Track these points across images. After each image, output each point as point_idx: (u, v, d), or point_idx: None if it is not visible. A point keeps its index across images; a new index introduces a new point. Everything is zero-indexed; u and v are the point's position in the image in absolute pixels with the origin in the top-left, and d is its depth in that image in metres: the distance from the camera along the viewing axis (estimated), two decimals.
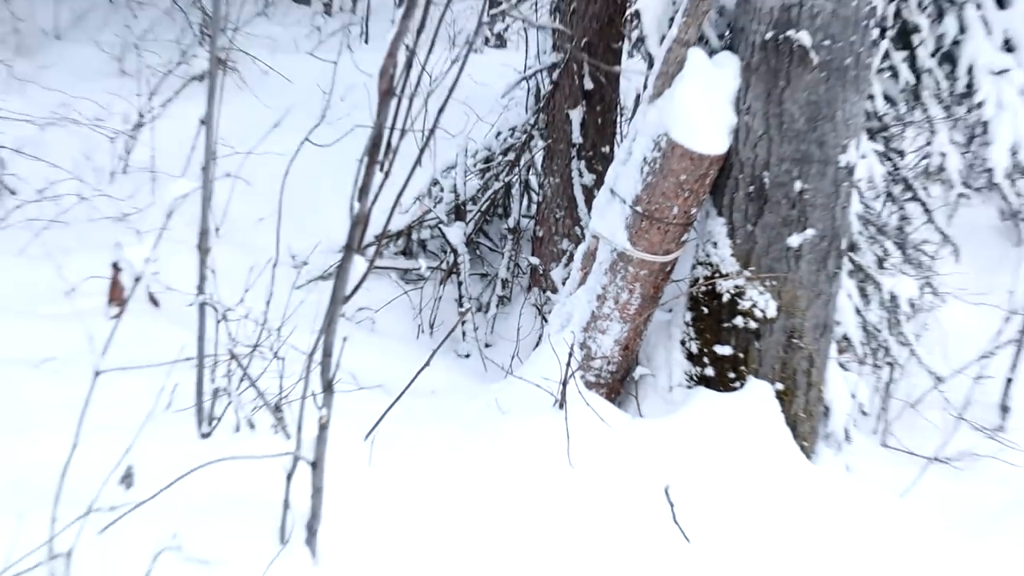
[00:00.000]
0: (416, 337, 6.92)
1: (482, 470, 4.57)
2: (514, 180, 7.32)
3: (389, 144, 2.94)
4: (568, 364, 4.74)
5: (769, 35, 4.57)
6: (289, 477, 3.28)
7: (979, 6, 5.62)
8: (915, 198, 5.96)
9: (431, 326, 7.01)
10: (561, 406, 4.70)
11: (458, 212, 7.27)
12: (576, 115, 6.79)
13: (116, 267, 2.81)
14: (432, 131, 3.49)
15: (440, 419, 5.02)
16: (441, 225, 7.20)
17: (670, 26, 4.87)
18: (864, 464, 5.33)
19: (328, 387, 3.19)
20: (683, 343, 5.00)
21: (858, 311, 5.45)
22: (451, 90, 4.00)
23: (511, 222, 7.25)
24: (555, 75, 6.88)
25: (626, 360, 5.10)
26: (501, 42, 11.74)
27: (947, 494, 5.29)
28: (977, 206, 7.66)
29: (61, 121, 7.61)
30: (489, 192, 7.33)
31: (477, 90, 8.21)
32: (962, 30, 5.54)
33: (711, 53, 4.83)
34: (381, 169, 2.92)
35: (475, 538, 4.11)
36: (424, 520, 4.06)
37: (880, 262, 5.84)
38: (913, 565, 4.61)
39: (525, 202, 7.36)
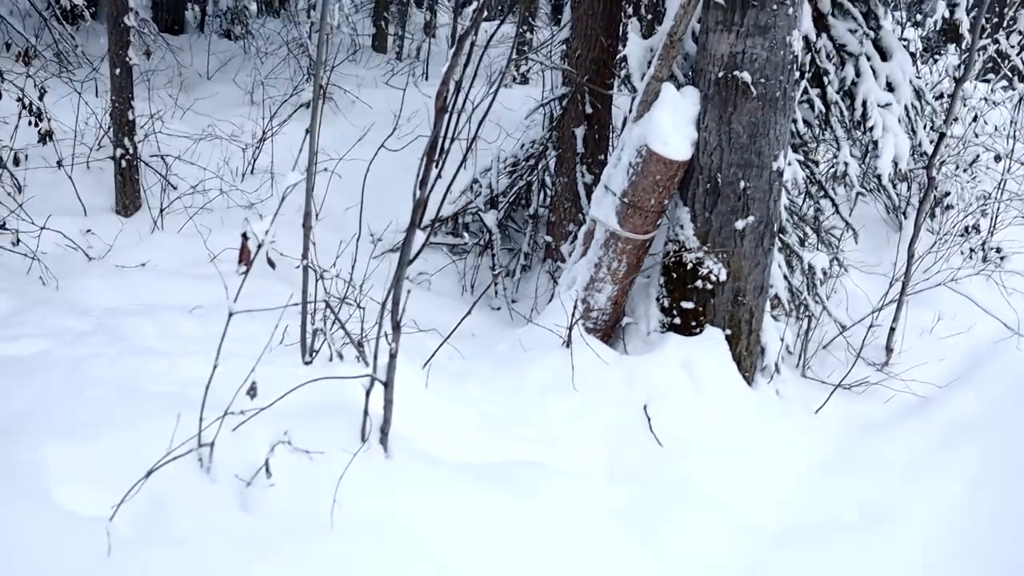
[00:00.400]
0: (460, 295, 6.88)
1: (510, 391, 4.55)
2: (534, 179, 7.23)
3: (442, 148, 2.89)
4: (572, 315, 4.72)
5: (721, 74, 4.54)
6: (368, 393, 3.26)
7: (869, 58, 5.55)
8: (826, 195, 5.84)
9: (471, 287, 6.96)
10: (568, 345, 4.69)
11: (492, 202, 7.23)
12: (580, 132, 6.71)
13: (244, 237, 2.77)
14: (473, 140, 3.44)
15: (478, 354, 4.98)
16: (480, 212, 7.15)
17: (648, 67, 4.89)
18: (790, 390, 5.26)
19: (396, 328, 3.16)
20: (658, 299, 4.92)
21: (786, 277, 5.36)
22: (487, 112, 3.95)
23: (531, 210, 7.17)
24: (564, 103, 6.80)
25: (616, 312, 5.03)
26: (525, 79, 11.62)
27: (847, 410, 5.22)
28: (870, 202, 7.54)
29: (208, 137, 7.64)
30: (515, 188, 7.26)
31: (507, 113, 8.13)
32: (857, 74, 5.45)
33: (679, 87, 4.77)
34: (436, 166, 2.87)
35: (502, 439, 4.09)
36: (465, 427, 4.03)
37: (801, 242, 5.75)
38: (821, 457, 4.58)
39: (542, 196, 7.27)
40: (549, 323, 4.90)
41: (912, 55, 8.89)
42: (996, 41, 9.39)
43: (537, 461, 3.96)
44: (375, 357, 3.26)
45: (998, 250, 7.64)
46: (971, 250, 7.46)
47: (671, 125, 4.62)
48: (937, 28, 11.33)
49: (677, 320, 4.81)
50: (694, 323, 4.77)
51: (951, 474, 4.69)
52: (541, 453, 4.10)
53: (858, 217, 7.03)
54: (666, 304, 4.85)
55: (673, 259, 4.79)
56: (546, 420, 4.36)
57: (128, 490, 2.72)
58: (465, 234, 7.23)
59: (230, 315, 2.91)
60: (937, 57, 10.26)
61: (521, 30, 11.83)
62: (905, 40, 9.35)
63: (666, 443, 4.30)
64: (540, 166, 7.23)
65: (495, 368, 4.76)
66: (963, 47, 9.40)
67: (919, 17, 12.06)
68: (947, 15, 10.64)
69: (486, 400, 4.38)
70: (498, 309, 6.77)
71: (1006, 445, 5.00)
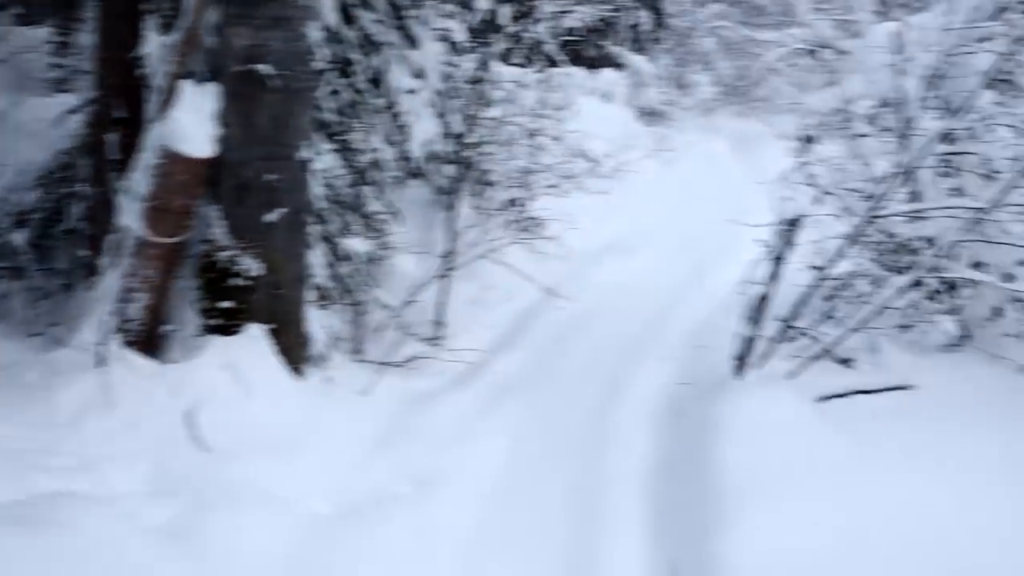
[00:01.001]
0: None
1: (40, 421, 4.24)
2: (69, 192, 6.72)
3: None
4: (107, 329, 4.47)
5: (240, 68, 4.50)
6: None
7: (397, 47, 5.80)
8: (367, 182, 6.03)
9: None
10: (102, 363, 4.42)
11: (22, 221, 6.62)
12: (112, 138, 6.34)
13: None
14: None
15: (2, 386, 4.57)
16: (6, 233, 6.54)
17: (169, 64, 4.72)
18: (343, 375, 5.36)
19: None
20: (196, 303, 4.79)
21: (330, 265, 5.45)
22: None
23: (67, 225, 6.66)
24: (93, 108, 6.40)
25: (154, 321, 4.82)
26: (66, 87, 10.75)
27: (402, 387, 5.46)
28: (418, 186, 7.84)
29: None
30: (46, 203, 6.71)
31: (38, 124, 7.46)
32: (386, 63, 5.68)
33: (199, 83, 4.65)
34: None
35: (30, 473, 3.79)
36: None
37: (345, 228, 5.86)
38: (373, 435, 4.75)
39: (79, 209, 6.77)
40: (82, 343, 4.60)
41: (454, 44, 9.39)
42: (527, 29, 10.18)
43: (71, 490, 3.70)
44: None
45: (537, 220, 8.33)
46: (511, 222, 8.06)
47: (192, 123, 4.53)
48: (480, 20, 12.05)
49: (218, 321, 4.71)
50: (235, 322, 4.71)
51: (496, 431, 5.08)
52: (77, 481, 3.86)
53: (407, 201, 7.29)
54: (205, 306, 4.74)
55: (207, 259, 4.69)
56: (83, 445, 4.12)
57: None
58: None
59: None
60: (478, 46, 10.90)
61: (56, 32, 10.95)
62: (446, 30, 9.80)
63: (215, 448, 4.22)
64: (74, 177, 6.74)
65: (23, 398, 4.40)
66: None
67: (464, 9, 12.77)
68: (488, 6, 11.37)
69: (10, 435, 4.04)
70: (40, 335, 6.24)
71: (543, 398, 5.50)
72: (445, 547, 3.92)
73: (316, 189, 5.22)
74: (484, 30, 12.13)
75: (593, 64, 15.95)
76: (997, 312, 5.80)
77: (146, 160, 4.66)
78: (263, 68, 4.49)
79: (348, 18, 5.68)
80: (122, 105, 6.32)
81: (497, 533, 4.08)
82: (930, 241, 5.61)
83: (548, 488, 4.46)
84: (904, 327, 6.06)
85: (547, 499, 4.37)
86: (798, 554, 3.33)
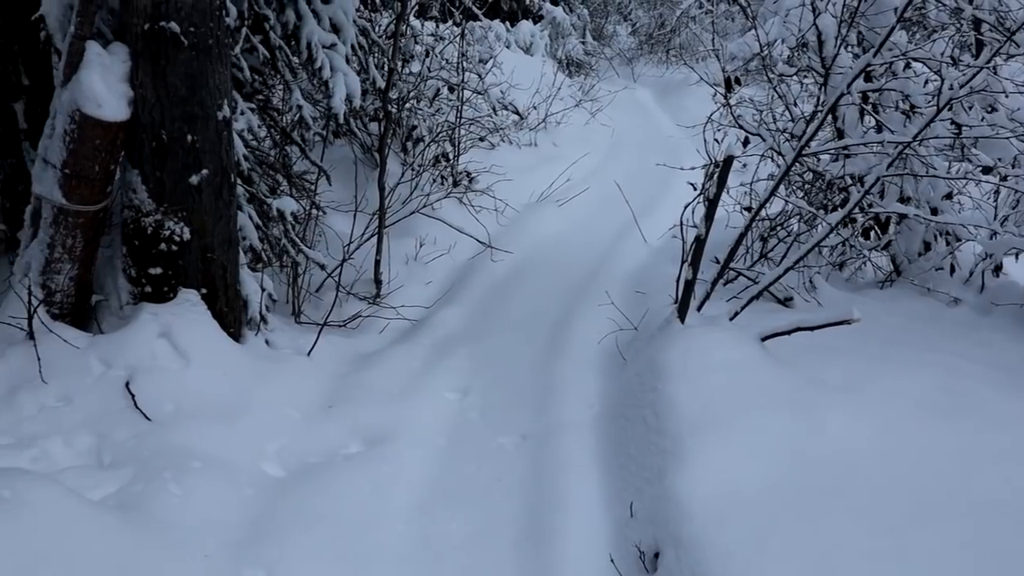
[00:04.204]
0: None
1: None
2: None
3: None
4: (30, 303, 4.35)
5: (147, 27, 4.37)
6: None
7: (309, 1, 5.70)
8: (291, 141, 5.95)
9: None
10: (31, 337, 4.31)
11: None
12: (19, 107, 6.14)
13: None
14: None
15: None
16: None
17: (71, 25, 4.57)
18: (282, 337, 5.33)
19: None
20: (124, 271, 4.69)
21: (258, 227, 5.38)
22: None
23: None
24: None
25: (82, 292, 4.71)
26: None
27: (341, 347, 5.43)
28: (346, 144, 7.77)
29: None
30: None
31: None
32: (299, 18, 5.58)
33: (106, 44, 4.52)
34: None
35: None
36: None
37: (272, 190, 5.79)
38: (319, 397, 4.74)
39: None
40: (6, 317, 4.48)
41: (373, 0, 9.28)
42: None
43: (10, 467, 3.62)
44: None
45: (467, 174, 8.33)
46: (442, 177, 8.04)
47: (103, 86, 4.37)
48: None
49: (148, 288, 4.62)
50: (166, 288, 4.62)
51: (443, 386, 5.09)
52: (17, 457, 3.78)
53: (335, 160, 7.23)
54: (134, 274, 4.64)
55: (132, 226, 4.58)
56: (17, 422, 4.02)
57: None
58: None
59: None
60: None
61: None
62: None
63: (156, 417, 4.15)
64: None
65: None
66: None
67: None
68: None
69: None
70: None
71: (488, 350, 5.53)
72: (401, 503, 3.94)
73: (240, 150, 5.13)
74: None
75: (511, 17, 15.91)
76: (926, 246, 6.01)
77: (59, 126, 4.51)
78: (172, 25, 4.36)
79: None
80: (26, 71, 6.15)
81: (451, 487, 4.11)
82: (858, 179, 5.77)
83: (500, 439, 4.50)
84: (839, 265, 6.25)
85: (500, 449, 4.41)
86: (749, 485, 3.43)
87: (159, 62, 4.39)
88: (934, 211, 5.88)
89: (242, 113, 5.21)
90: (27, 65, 6.10)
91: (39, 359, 4.22)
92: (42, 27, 4.94)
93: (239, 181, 5.03)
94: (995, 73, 5.22)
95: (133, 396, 4.23)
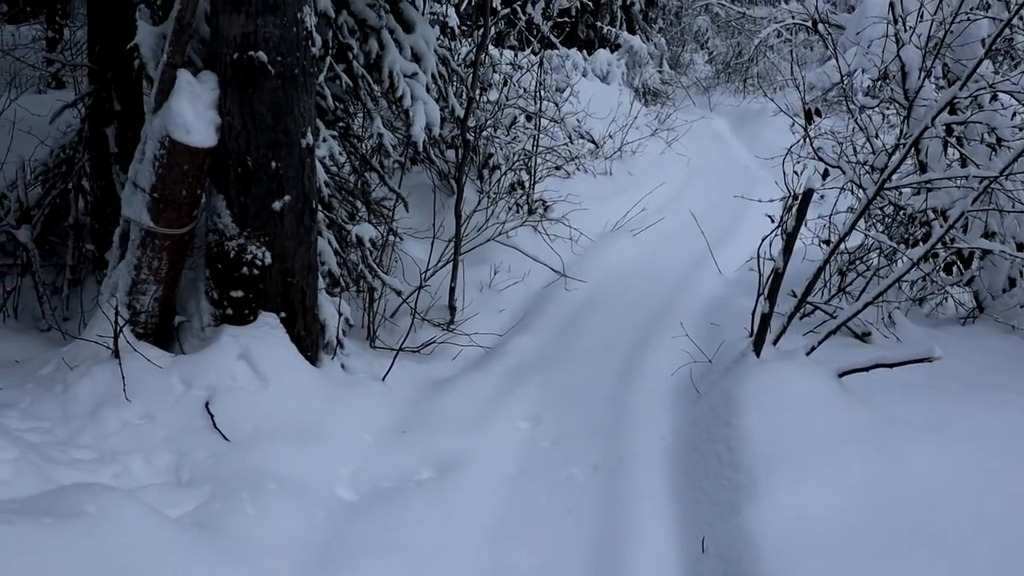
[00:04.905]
0: (3, 322, 6.27)
1: (58, 415, 4.26)
2: (70, 187, 6.75)
3: None
4: (116, 322, 4.49)
5: (236, 56, 4.51)
6: None
7: (392, 31, 5.81)
8: (371, 168, 6.04)
9: (15, 311, 6.36)
10: (116, 355, 4.44)
11: (25, 217, 6.64)
12: (111, 131, 6.37)
13: None
14: None
15: (18, 382, 4.59)
16: (11, 229, 6.56)
17: (163, 54, 4.73)
18: (358, 362, 5.39)
19: None
20: (207, 293, 4.81)
21: (337, 252, 5.47)
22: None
23: (71, 220, 6.69)
24: (91, 101, 6.42)
25: (165, 312, 4.84)
26: (60, 83, 10.75)
27: (415, 373, 5.48)
28: (423, 171, 7.88)
29: None
30: (49, 198, 6.73)
31: (35, 120, 7.49)
32: (381, 47, 5.69)
33: (196, 72, 4.67)
34: None
35: (51, 466, 3.80)
36: (3, 462, 3.69)
37: (351, 216, 5.89)
38: (392, 422, 4.78)
39: (82, 203, 6.79)
40: (94, 335, 4.62)
41: (452, 29, 9.42)
42: (519, 10, 10.21)
43: (94, 482, 3.73)
44: None
45: (543, 202, 8.37)
46: (517, 205, 8.09)
47: (192, 112, 4.52)
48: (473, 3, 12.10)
49: (229, 311, 4.73)
50: (247, 311, 4.73)
51: (516, 414, 5.10)
52: (100, 472, 3.90)
53: (412, 186, 7.34)
54: (216, 296, 4.76)
55: (216, 249, 4.70)
56: (102, 437, 4.15)
57: None
58: None
59: None
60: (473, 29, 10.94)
61: (47, 29, 10.96)
62: (439, 15, 9.81)
63: (234, 437, 4.24)
64: (75, 172, 6.76)
65: (38, 393, 4.42)
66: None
67: None
68: None
69: (30, 428, 4.07)
70: (48, 330, 6.27)
71: (560, 378, 5.53)
72: (472, 531, 3.94)
73: (321, 176, 5.23)
74: (477, 14, 12.19)
75: (588, 45, 16.00)
76: (1011, 282, 5.87)
77: (149, 152, 4.66)
78: (259, 55, 4.49)
79: (340, 3, 5.69)
80: (119, 97, 6.38)
81: (522, 515, 4.10)
82: (940, 213, 5.66)
83: (572, 468, 4.48)
84: (919, 300, 6.12)
85: (571, 479, 4.39)
86: (825, 524, 3.37)
87: (246, 90, 4.52)
88: (1020, 247, 5.74)
89: (324, 140, 5.32)
90: (119, 92, 6.33)
91: (124, 377, 4.35)
92: (136, 55, 5.13)
93: (319, 207, 5.13)
94: None
95: (212, 416, 4.33)
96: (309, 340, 4.94)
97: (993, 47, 5.18)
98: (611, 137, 10.81)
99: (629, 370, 5.57)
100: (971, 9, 5.48)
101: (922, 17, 5.65)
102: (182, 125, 4.48)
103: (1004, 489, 3.51)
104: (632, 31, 17.58)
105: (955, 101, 5.33)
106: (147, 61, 4.97)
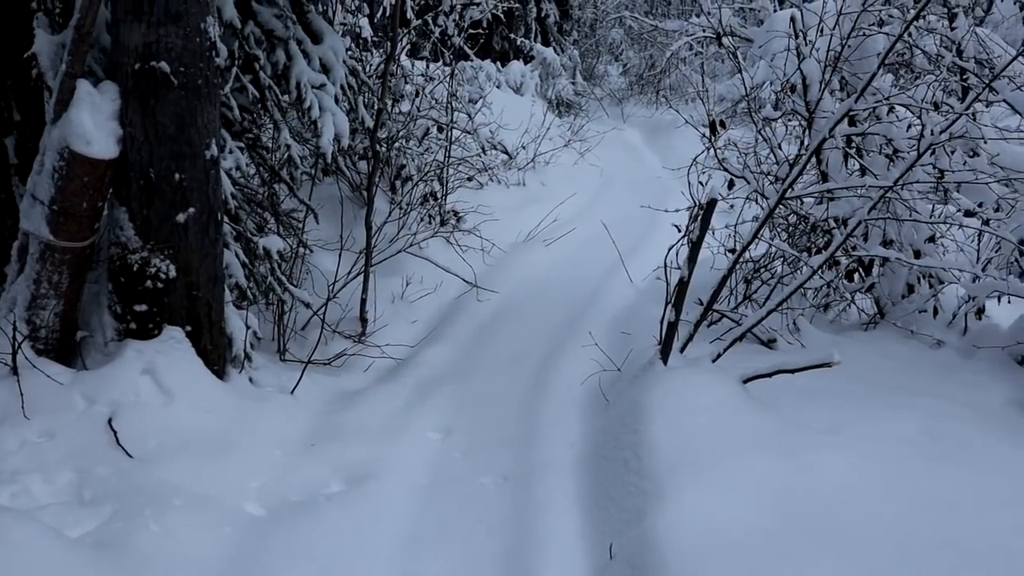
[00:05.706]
0: None
1: None
2: None
3: None
4: (14, 339, 4.38)
5: (138, 66, 4.44)
6: None
7: (300, 42, 5.79)
8: (279, 180, 6.00)
9: None
10: (15, 372, 4.33)
11: None
12: (11, 142, 6.19)
13: None
14: None
15: None
16: None
17: (62, 64, 4.64)
18: (267, 375, 5.36)
19: None
20: (110, 307, 4.72)
21: (244, 265, 5.41)
22: None
23: None
24: None
25: (67, 327, 4.74)
26: None
27: (325, 385, 5.46)
28: (334, 183, 7.83)
29: None
30: None
31: None
32: (289, 58, 5.66)
33: (96, 82, 4.59)
34: None
35: None
36: None
37: (260, 227, 5.84)
38: (301, 435, 4.75)
39: None
40: None
41: (364, 40, 9.41)
42: (431, 22, 10.25)
43: None
44: None
45: (455, 213, 8.40)
46: (429, 216, 8.11)
47: (92, 123, 4.44)
48: (385, 14, 12.10)
49: (133, 325, 4.65)
50: (151, 325, 4.66)
51: (425, 424, 5.11)
52: None
53: (323, 198, 7.29)
54: (119, 310, 4.68)
55: (118, 263, 4.62)
56: None
57: None
58: None
59: None
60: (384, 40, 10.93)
61: None
62: (352, 25, 9.79)
63: (138, 454, 4.17)
64: None
65: None
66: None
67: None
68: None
69: None
70: None
71: (471, 389, 5.56)
72: (383, 542, 3.95)
73: (227, 188, 5.18)
74: (389, 25, 12.20)
75: (503, 57, 16.11)
76: (909, 288, 6.09)
77: (48, 163, 4.57)
78: (162, 65, 4.43)
79: (247, 13, 5.65)
80: (19, 107, 6.22)
81: (434, 525, 4.12)
82: (842, 221, 5.84)
83: (482, 478, 4.51)
84: (823, 307, 6.31)
85: (482, 489, 4.42)
86: (731, 528, 3.45)
87: (149, 101, 4.46)
88: (917, 254, 5.96)
89: (230, 152, 5.28)
90: (19, 101, 6.15)
91: (22, 394, 4.24)
92: (34, 64, 5.02)
93: (226, 219, 5.08)
94: (974, 119, 5.32)
95: (115, 432, 4.25)
96: (216, 354, 4.89)
97: (888, 62, 5.38)
98: (524, 148, 10.90)
99: (540, 380, 5.64)
100: (868, 25, 5.68)
101: (822, 32, 5.83)
102: (82, 136, 4.40)
103: (904, 490, 3.65)
104: (547, 43, 17.75)
105: (853, 113, 5.52)
106: (45, 71, 4.87)
